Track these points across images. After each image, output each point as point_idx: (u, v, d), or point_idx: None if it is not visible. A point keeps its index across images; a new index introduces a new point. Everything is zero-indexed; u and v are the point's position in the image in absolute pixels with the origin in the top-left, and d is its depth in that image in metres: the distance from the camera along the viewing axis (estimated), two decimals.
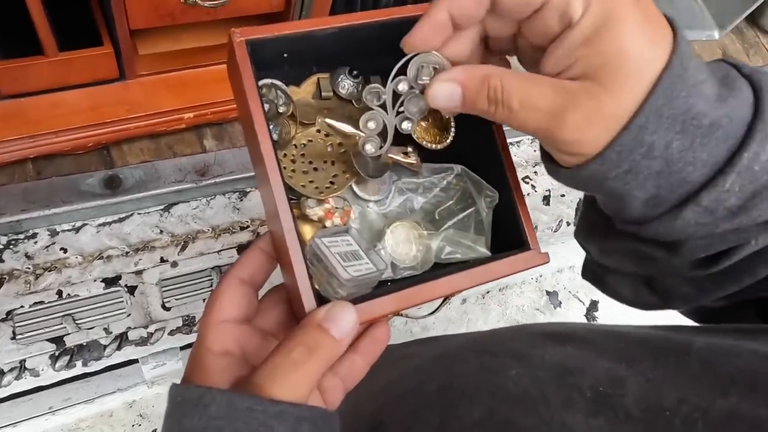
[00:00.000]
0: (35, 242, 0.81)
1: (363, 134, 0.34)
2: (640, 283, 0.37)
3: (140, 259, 0.85)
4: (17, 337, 0.77)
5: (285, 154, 0.38)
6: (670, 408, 0.28)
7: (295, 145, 0.38)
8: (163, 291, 0.85)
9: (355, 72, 0.38)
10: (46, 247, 0.81)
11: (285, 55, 0.35)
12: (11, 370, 0.76)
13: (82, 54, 0.76)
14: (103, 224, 0.84)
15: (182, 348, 0.92)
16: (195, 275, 0.88)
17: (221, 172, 0.88)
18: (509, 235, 0.36)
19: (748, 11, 1.32)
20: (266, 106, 0.35)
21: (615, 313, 1.58)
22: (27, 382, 0.77)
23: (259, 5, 0.81)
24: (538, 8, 0.27)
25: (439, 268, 0.37)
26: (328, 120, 0.38)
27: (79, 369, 0.80)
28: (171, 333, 0.84)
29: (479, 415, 0.33)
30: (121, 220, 0.85)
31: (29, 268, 0.80)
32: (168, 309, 0.84)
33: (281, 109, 0.37)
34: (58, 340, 0.78)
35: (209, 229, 0.89)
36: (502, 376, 0.35)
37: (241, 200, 0.92)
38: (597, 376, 0.32)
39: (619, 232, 0.32)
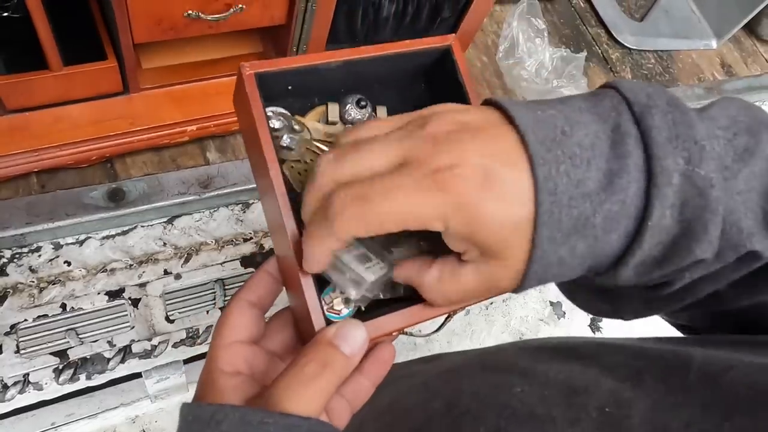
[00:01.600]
0: (39, 255, 0.81)
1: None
2: (593, 291, 0.38)
3: (144, 272, 0.85)
4: (21, 351, 0.76)
5: (292, 166, 0.38)
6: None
7: (301, 161, 0.39)
8: (167, 303, 0.85)
9: (362, 102, 0.39)
10: (50, 260, 0.81)
11: (290, 87, 0.37)
12: (15, 383, 0.76)
13: (86, 68, 0.77)
14: (107, 237, 0.84)
15: (185, 362, 0.92)
16: (198, 287, 0.88)
17: (224, 184, 0.88)
18: None
19: (745, 20, 1.33)
20: (278, 124, 0.37)
21: (619, 324, 1.57)
22: (30, 396, 0.77)
23: (261, 19, 0.81)
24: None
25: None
26: (315, 142, 0.39)
27: (83, 382, 0.79)
28: (175, 345, 0.83)
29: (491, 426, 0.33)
30: (124, 232, 0.85)
31: (33, 282, 0.80)
32: (172, 321, 0.84)
33: (296, 127, 0.38)
34: (61, 354, 0.78)
35: (212, 241, 0.89)
36: (507, 394, 0.35)
37: (244, 212, 0.92)
38: (603, 397, 0.32)
39: None
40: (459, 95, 0.38)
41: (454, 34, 0.40)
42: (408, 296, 0.34)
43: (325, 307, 0.32)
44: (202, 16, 0.75)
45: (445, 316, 0.36)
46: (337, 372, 0.29)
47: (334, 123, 0.39)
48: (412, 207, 0.26)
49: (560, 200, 0.26)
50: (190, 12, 0.74)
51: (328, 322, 0.31)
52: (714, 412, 0.28)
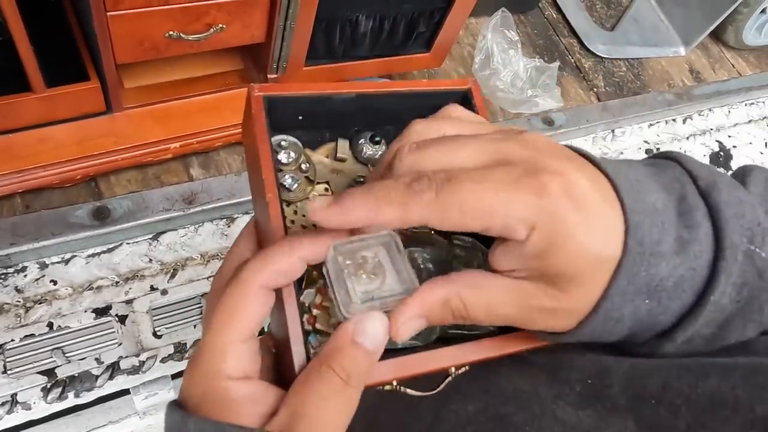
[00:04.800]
0: (25, 275, 0.81)
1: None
2: None
3: (130, 288, 0.85)
4: (8, 371, 0.77)
5: (295, 210, 0.36)
6: (655, 395, 0.29)
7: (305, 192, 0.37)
8: (154, 319, 0.86)
9: (377, 138, 0.37)
10: (36, 279, 0.81)
11: (300, 117, 0.35)
12: (3, 404, 0.76)
13: (69, 89, 0.78)
14: (93, 255, 0.85)
15: (173, 377, 0.92)
16: (185, 302, 0.89)
17: (208, 200, 0.90)
18: None
19: (710, 28, 1.38)
20: (286, 158, 0.35)
21: None
22: (19, 416, 0.77)
23: (241, 38, 0.83)
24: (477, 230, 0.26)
25: (443, 344, 0.35)
26: (316, 194, 0.36)
27: (71, 401, 0.80)
28: (163, 360, 0.84)
29: (473, 409, 0.33)
30: (110, 250, 0.86)
31: (19, 302, 0.80)
32: (159, 337, 0.85)
33: (303, 167, 0.36)
34: (49, 373, 0.78)
35: (198, 256, 0.91)
36: (494, 373, 0.35)
37: (229, 226, 0.93)
38: (585, 368, 0.32)
39: None
40: None
41: (473, 78, 0.39)
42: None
43: (305, 318, 0.29)
44: (183, 36, 0.77)
45: (444, 376, 0.32)
46: (362, 377, 0.27)
47: (342, 160, 0.38)
48: (503, 203, 0.24)
49: (644, 252, 0.25)
50: (171, 32, 0.76)
51: (307, 350, 0.28)
52: (689, 374, 0.28)
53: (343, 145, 0.37)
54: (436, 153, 0.26)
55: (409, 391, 0.32)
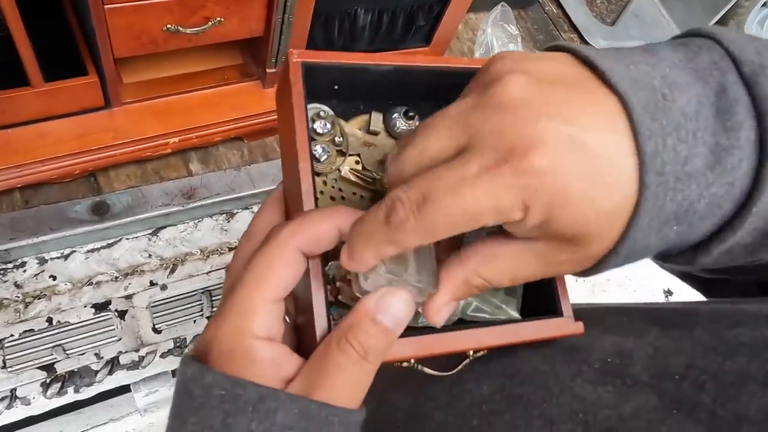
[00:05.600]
0: (24, 271, 0.81)
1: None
2: None
3: (130, 284, 0.85)
4: (7, 367, 0.76)
5: (324, 181, 0.36)
6: (679, 372, 0.28)
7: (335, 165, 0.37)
8: (154, 314, 0.85)
9: (411, 113, 0.36)
10: (36, 275, 0.81)
11: (336, 87, 0.34)
12: (2, 399, 0.75)
13: (67, 84, 0.78)
14: (92, 250, 0.85)
15: (174, 373, 0.92)
16: (185, 297, 0.89)
17: (208, 195, 0.90)
18: (541, 301, 0.34)
19: (712, 22, 1.37)
20: (321, 128, 0.35)
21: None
22: (18, 411, 0.77)
23: (239, 31, 0.83)
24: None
25: (463, 324, 0.35)
26: (353, 169, 0.36)
27: (71, 396, 0.79)
28: (162, 356, 0.84)
29: (489, 389, 0.33)
30: (109, 245, 0.86)
31: (18, 297, 0.80)
32: (159, 332, 0.85)
33: (337, 139, 0.36)
34: (49, 368, 0.78)
35: (198, 251, 0.90)
36: (511, 356, 0.35)
37: (229, 221, 0.93)
38: (604, 350, 0.31)
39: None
40: None
41: None
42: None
43: (329, 289, 0.29)
44: (181, 29, 0.77)
45: (461, 358, 0.32)
46: (380, 354, 0.26)
47: (375, 133, 0.38)
48: (487, 199, 0.22)
49: (666, 182, 0.22)
50: (169, 26, 0.76)
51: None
52: (715, 355, 0.27)
53: (377, 118, 0.37)
54: (411, 152, 0.25)
55: (426, 369, 0.32)
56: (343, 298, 0.31)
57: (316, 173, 0.34)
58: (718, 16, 1.35)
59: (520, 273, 0.26)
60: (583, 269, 0.26)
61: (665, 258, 0.27)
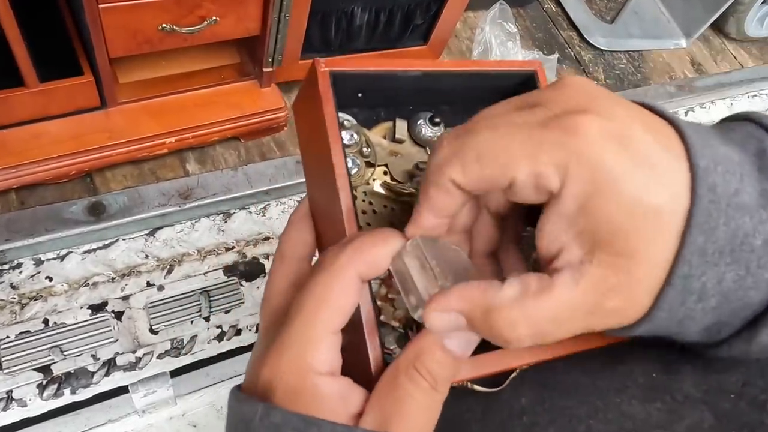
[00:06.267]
0: (20, 272, 0.81)
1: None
2: None
3: (126, 284, 0.85)
4: (3, 368, 0.76)
5: (354, 195, 0.33)
6: (734, 391, 0.26)
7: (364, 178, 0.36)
8: (151, 315, 0.85)
9: (437, 119, 0.35)
10: (32, 276, 0.81)
11: (360, 94, 0.33)
12: None
13: (62, 84, 0.78)
14: (88, 251, 0.84)
15: (172, 375, 0.92)
16: (182, 298, 0.88)
17: (205, 195, 0.89)
18: None
19: (711, 19, 1.37)
20: (348, 139, 0.33)
21: None
22: (14, 413, 0.76)
23: (235, 30, 0.83)
24: (506, 187, 0.22)
25: None
26: (384, 182, 0.35)
27: (67, 398, 0.79)
28: (159, 357, 0.84)
29: (527, 401, 0.31)
30: (106, 246, 0.85)
31: (15, 298, 0.80)
32: (156, 333, 0.84)
33: (365, 150, 0.34)
34: (45, 369, 0.78)
35: (195, 252, 0.90)
36: (550, 368, 0.32)
37: (226, 222, 0.92)
38: (649, 362, 0.29)
39: None
40: None
41: (540, 61, 0.37)
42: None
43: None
44: (177, 29, 0.76)
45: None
46: (449, 381, 0.25)
47: (400, 141, 0.36)
48: (525, 145, 0.21)
49: (718, 201, 0.21)
50: (164, 25, 0.76)
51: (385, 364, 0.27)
52: None
53: (401, 125, 0.36)
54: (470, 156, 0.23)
55: (477, 387, 0.31)
56: (384, 318, 0.30)
57: None
58: (718, 14, 1.34)
59: (564, 308, 0.22)
60: (631, 315, 0.22)
61: (717, 344, 0.24)
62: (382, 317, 0.30)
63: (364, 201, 0.34)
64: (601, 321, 0.23)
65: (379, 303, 0.30)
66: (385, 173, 0.36)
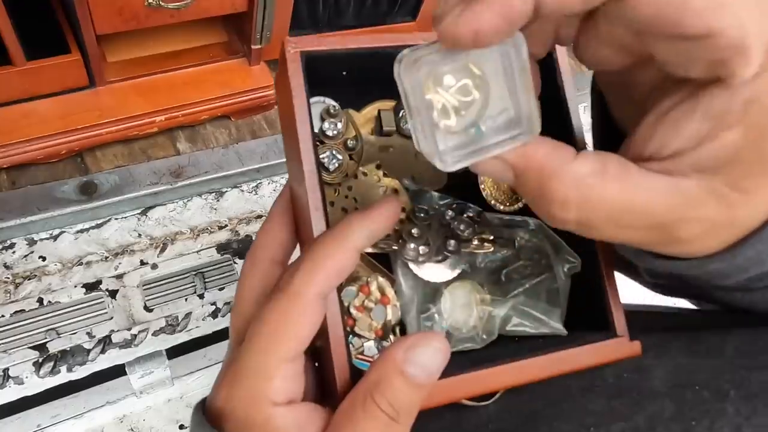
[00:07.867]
0: (13, 252, 0.81)
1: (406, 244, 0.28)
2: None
3: (120, 263, 0.85)
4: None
5: (336, 191, 0.32)
6: (700, 383, 0.26)
7: (346, 174, 0.32)
8: (145, 293, 0.85)
9: None
10: (25, 256, 0.81)
11: (344, 73, 0.30)
12: None
13: (50, 62, 0.78)
14: (81, 231, 0.85)
15: (169, 356, 0.92)
16: (176, 276, 0.89)
17: (196, 173, 0.89)
18: (589, 312, 0.30)
19: None
20: (331, 131, 0.31)
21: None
22: (12, 391, 0.77)
23: (222, 6, 0.83)
24: (688, 36, 0.16)
25: (503, 343, 0.31)
26: (398, 182, 0.32)
27: (64, 375, 0.80)
28: (155, 334, 0.84)
29: (495, 408, 0.31)
30: (98, 225, 0.86)
31: (8, 278, 0.80)
32: (150, 310, 0.85)
33: (350, 143, 0.32)
34: (41, 347, 0.78)
35: (188, 230, 0.90)
36: None
37: (218, 200, 0.93)
38: (621, 365, 0.29)
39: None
40: (554, 113, 0.29)
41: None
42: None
43: (353, 353, 0.26)
44: (163, 4, 0.76)
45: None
46: (413, 411, 0.23)
47: (389, 134, 0.33)
48: (759, 4, 0.16)
49: None
50: (150, 1, 0.75)
51: (355, 370, 0.25)
52: (744, 370, 0.26)
53: (387, 116, 0.32)
54: None
55: (463, 400, 0.29)
56: (360, 330, 0.29)
57: (326, 183, 0.31)
58: None
59: (619, 228, 0.19)
60: (706, 249, 0.19)
61: (754, 290, 0.22)
62: (356, 329, 0.29)
63: (347, 197, 0.32)
64: (668, 243, 0.19)
65: (354, 312, 0.29)
66: (377, 167, 0.33)
